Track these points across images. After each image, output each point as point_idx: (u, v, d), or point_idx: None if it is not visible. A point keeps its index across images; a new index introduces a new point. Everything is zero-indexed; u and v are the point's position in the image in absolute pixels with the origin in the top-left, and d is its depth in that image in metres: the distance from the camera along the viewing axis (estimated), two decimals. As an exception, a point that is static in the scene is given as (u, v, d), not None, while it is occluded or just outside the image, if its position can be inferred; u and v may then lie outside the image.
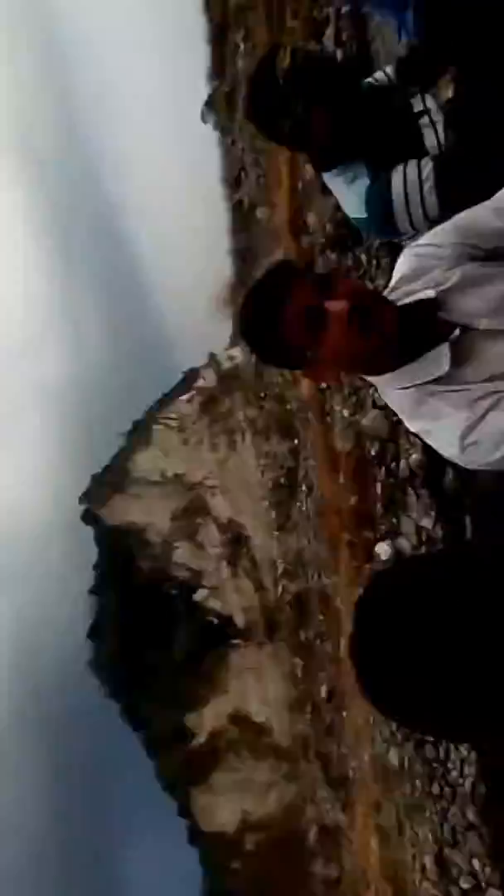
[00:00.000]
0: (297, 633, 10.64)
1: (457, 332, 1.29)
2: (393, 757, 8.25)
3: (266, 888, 21.96)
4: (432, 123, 1.73)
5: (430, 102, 1.78)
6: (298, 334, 1.24)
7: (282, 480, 10.63)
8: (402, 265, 1.40)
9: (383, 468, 8.16)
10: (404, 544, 8.04)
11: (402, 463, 8.03)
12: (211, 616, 22.86)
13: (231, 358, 18.91)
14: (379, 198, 1.62)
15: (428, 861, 7.67)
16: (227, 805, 24.17)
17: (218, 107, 13.88)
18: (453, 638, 0.67)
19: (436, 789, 7.76)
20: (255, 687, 21.77)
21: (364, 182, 1.68)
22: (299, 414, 10.08)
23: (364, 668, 0.75)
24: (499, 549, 0.74)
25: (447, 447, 1.30)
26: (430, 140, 1.73)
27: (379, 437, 8.00)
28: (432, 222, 1.55)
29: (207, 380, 21.76)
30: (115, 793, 30.05)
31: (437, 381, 1.29)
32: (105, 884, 30.45)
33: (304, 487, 10.02)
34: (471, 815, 7.41)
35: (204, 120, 14.63)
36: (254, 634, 21.30)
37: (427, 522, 7.83)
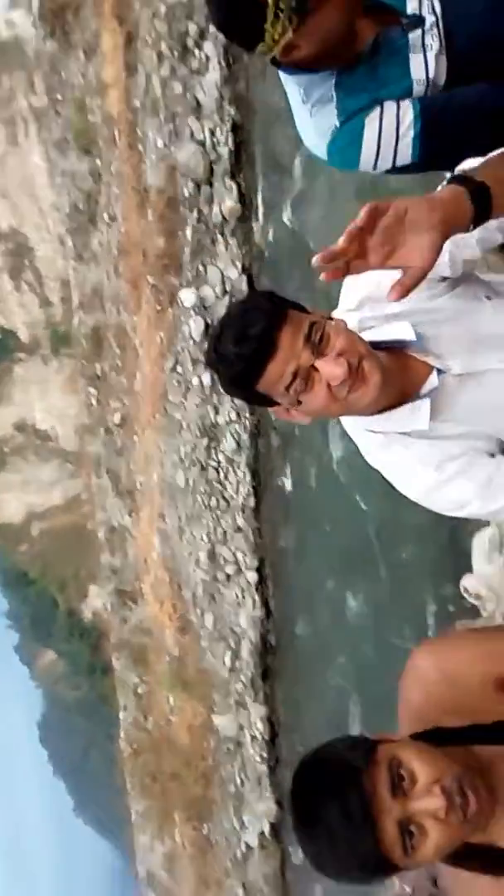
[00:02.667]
0: (94, 365, 10.78)
1: (435, 379, 1.16)
2: (180, 478, 9.42)
3: (52, 565, 25.18)
4: (423, 48, 1.32)
5: (429, 10, 1.33)
6: (279, 392, 1.07)
7: (79, 205, 9.69)
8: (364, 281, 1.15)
9: (196, 211, 7.80)
10: (209, 293, 8.16)
11: (216, 208, 7.73)
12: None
13: (11, 25, 15.07)
14: (345, 148, 1.36)
15: (202, 556, 9.37)
16: (12, 501, 25.93)
17: None
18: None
19: (213, 503, 9.23)
20: (40, 399, 22.09)
21: (329, 119, 1.36)
22: (103, 130, 8.88)
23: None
24: None
25: (406, 490, 1.22)
26: (417, 70, 1.32)
27: (194, 178, 7.50)
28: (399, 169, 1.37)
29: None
30: None
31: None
32: None
33: (105, 217, 9.30)
34: (240, 521, 9.09)
35: None
36: (38, 349, 20.94)
37: (233, 273, 7.94)
